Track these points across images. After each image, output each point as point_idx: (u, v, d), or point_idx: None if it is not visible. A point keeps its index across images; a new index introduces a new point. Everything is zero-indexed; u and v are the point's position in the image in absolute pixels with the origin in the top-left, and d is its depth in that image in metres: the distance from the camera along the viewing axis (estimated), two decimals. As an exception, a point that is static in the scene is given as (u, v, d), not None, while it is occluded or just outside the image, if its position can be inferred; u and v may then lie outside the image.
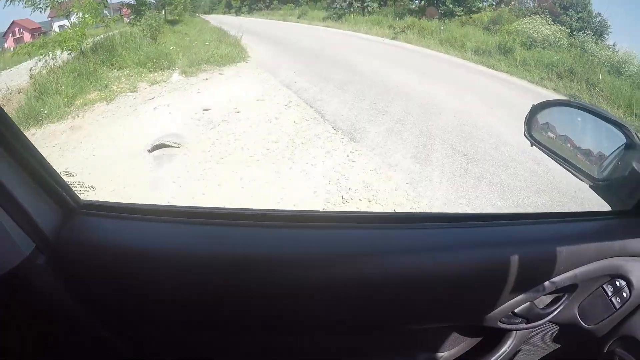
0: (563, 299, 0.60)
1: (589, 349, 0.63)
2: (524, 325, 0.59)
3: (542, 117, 0.72)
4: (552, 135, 0.73)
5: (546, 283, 0.56)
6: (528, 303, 0.58)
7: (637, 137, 0.61)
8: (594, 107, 0.69)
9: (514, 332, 0.61)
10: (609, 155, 0.66)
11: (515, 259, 0.54)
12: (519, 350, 0.64)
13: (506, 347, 0.62)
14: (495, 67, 5.40)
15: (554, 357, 0.69)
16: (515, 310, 0.58)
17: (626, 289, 0.60)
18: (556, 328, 0.65)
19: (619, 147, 0.63)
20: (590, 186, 0.66)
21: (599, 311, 0.61)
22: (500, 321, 0.58)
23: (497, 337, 0.63)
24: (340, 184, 2.54)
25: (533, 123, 0.72)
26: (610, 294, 0.60)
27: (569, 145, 0.72)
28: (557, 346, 0.68)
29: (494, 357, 0.62)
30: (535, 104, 0.72)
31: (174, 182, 2.68)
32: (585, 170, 0.66)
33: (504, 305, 0.56)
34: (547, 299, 0.60)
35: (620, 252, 0.59)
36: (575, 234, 0.60)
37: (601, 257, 0.58)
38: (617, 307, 0.60)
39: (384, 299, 0.55)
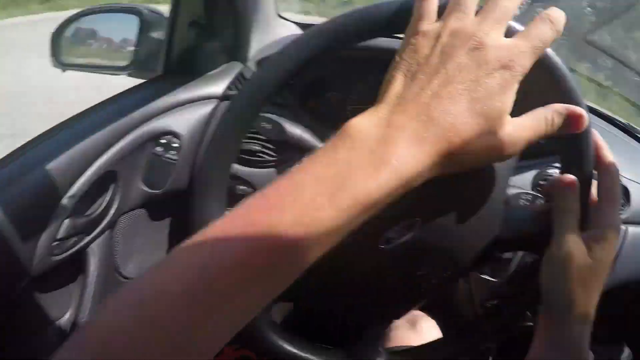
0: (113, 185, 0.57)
1: None
2: None
3: (66, 40, 0.68)
4: (80, 49, 0.71)
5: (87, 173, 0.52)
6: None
7: (147, 11, 0.65)
8: (103, 6, 0.68)
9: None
10: (134, 39, 0.67)
11: None
12: None
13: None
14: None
15: None
16: None
17: (174, 139, 0.59)
18: None
19: (138, 27, 0.65)
20: (128, 75, 0.68)
21: (160, 171, 0.60)
22: None
23: None
24: None
25: (59, 48, 0.68)
26: (161, 152, 0.59)
27: (96, 48, 0.72)
28: None
29: None
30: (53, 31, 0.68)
31: None
32: (116, 64, 0.69)
33: None
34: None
35: (152, 114, 0.58)
36: (110, 116, 0.56)
37: (138, 127, 0.56)
38: (174, 158, 0.59)
39: None
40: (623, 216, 0.76)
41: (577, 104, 0.31)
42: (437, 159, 0.25)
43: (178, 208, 0.63)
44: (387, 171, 0.23)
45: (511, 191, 0.55)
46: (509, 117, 0.27)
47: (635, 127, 0.87)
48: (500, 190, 0.36)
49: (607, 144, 0.36)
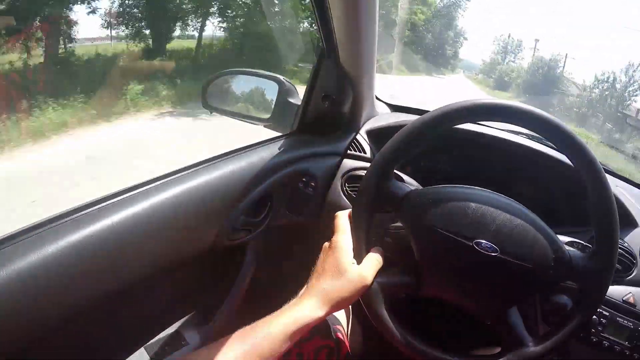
0: (269, 204, 0.79)
1: None
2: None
3: (214, 88, 0.88)
4: (226, 98, 0.91)
5: (254, 192, 0.74)
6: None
7: (285, 81, 0.84)
8: (251, 70, 0.88)
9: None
10: (272, 100, 0.85)
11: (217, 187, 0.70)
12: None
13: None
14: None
15: None
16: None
17: (312, 180, 0.81)
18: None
19: (277, 92, 0.83)
20: (265, 126, 0.85)
21: (300, 201, 0.82)
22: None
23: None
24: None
25: (208, 94, 0.87)
26: (302, 187, 0.81)
27: (241, 102, 0.92)
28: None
29: None
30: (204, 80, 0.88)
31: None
32: (258, 116, 0.87)
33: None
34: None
35: (298, 159, 0.79)
36: (266, 155, 0.77)
37: (288, 166, 0.78)
38: (312, 193, 0.81)
39: None
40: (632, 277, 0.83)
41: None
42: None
43: (306, 233, 0.84)
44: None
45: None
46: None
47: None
48: None
49: None
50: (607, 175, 1.03)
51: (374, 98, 0.90)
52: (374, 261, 0.53)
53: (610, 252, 0.52)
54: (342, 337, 0.68)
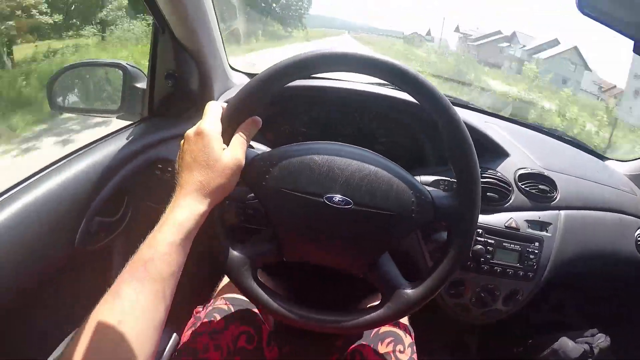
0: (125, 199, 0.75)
1: None
2: None
3: (59, 86, 0.78)
4: (73, 95, 0.83)
5: (105, 190, 0.70)
6: None
7: (129, 66, 0.78)
8: (92, 60, 0.85)
9: None
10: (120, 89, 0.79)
11: None
12: None
13: None
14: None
15: None
16: None
17: (169, 164, 0.76)
18: None
19: (122, 79, 0.78)
20: (117, 117, 0.80)
21: (160, 189, 0.71)
22: None
23: None
24: None
25: (53, 94, 0.78)
26: (159, 174, 0.76)
27: (89, 96, 0.85)
28: None
29: None
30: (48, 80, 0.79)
31: None
32: (108, 108, 0.81)
33: None
34: None
35: (149, 146, 0.75)
36: (113, 149, 0.72)
37: (139, 155, 0.74)
38: (170, 178, 0.74)
39: None
40: (555, 203, 0.87)
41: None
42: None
43: None
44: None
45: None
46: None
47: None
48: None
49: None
50: (475, 113, 1.06)
51: (228, 69, 0.86)
52: (242, 140, 0.49)
53: (471, 186, 0.51)
54: (260, 321, 0.66)
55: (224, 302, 0.65)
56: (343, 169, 0.49)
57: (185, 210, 0.44)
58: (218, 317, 0.63)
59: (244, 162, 0.49)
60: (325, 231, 0.50)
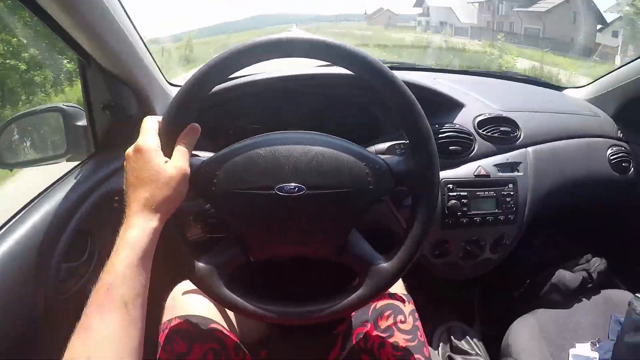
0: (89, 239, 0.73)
1: None
2: None
3: (3, 143, 0.75)
4: (19, 149, 0.82)
5: (65, 234, 0.68)
6: None
7: (66, 106, 0.77)
8: (28, 111, 0.79)
9: None
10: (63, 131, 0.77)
11: None
12: None
13: None
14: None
15: None
16: None
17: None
18: None
19: (62, 120, 0.76)
20: (67, 160, 0.78)
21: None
22: None
23: None
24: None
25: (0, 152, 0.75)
26: (118, 206, 0.73)
27: (35, 147, 0.84)
28: None
29: None
30: None
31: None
32: (56, 153, 0.78)
33: None
34: None
35: (101, 180, 0.73)
36: (66, 191, 0.70)
37: (93, 192, 0.71)
38: None
39: None
40: (520, 142, 0.88)
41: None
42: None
43: None
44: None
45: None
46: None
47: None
48: None
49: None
50: (424, 73, 1.06)
51: (166, 86, 0.85)
52: (184, 149, 0.48)
53: (424, 142, 0.49)
54: (223, 333, 0.64)
55: (178, 320, 0.63)
56: (288, 156, 0.48)
57: (136, 229, 0.44)
58: (179, 340, 0.60)
59: (188, 171, 0.47)
60: (285, 222, 0.49)
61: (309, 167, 0.48)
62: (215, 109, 0.78)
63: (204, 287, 0.51)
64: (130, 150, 0.47)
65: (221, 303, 0.51)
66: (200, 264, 0.51)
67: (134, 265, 0.42)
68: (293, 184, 0.48)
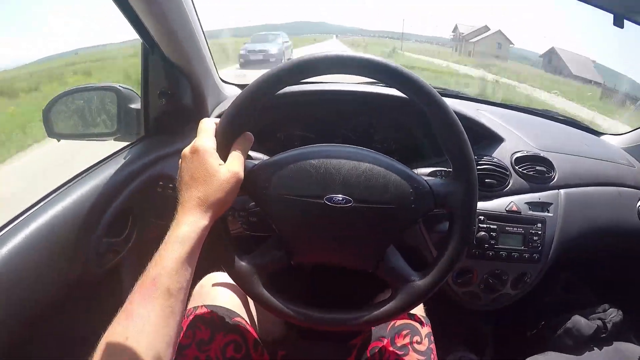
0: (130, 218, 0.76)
1: None
2: None
3: (56, 113, 0.81)
4: (70, 121, 0.85)
5: (109, 211, 0.72)
6: None
7: (122, 88, 0.80)
8: (85, 86, 0.84)
9: None
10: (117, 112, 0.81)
11: None
12: None
13: None
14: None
15: None
16: None
17: (170, 181, 0.78)
18: None
19: (116, 101, 0.80)
20: (115, 139, 0.82)
21: (164, 205, 0.75)
22: None
23: None
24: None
25: (51, 122, 0.81)
26: (161, 191, 0.78)
27: (86, 121, 0.86)
28: None
29: None
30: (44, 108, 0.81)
31: None
32: (105, 131, 0.83)
33: None
34: None
35: (149, 164, 0.76)
36: (114, 169, 0.73)
37: (140, 174, 0.75)
38: (173, 193, 0.71)
39: None
40: (554, 183, 0.88)
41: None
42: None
43: None
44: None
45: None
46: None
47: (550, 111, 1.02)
48: None
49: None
50: (466, 102, 1.07)
51: (219, 82, 0.88)
52: (239, 154, 0.50)
53: (467, 169, 0.51)
54: (245, 327, 0.66)
55: (205, 309, 0.65)
56: (339, 169, 0.50)
57: (187, 226, 0.46)
58: (202, 327, 0.62)
59: (242, 176, 0.50)
60: (329, 231, 0.51)
61: (357, 182, 0.50)
62: (265, 112, 0.81)
63: (243, 284, 0.53)
64: (187, 150, 0.50)
65: (259, 303, 0.54)
66: (243, 263, 0.53)
67: (181, 261, 0.44)
68: (341, 196, 0.50)
